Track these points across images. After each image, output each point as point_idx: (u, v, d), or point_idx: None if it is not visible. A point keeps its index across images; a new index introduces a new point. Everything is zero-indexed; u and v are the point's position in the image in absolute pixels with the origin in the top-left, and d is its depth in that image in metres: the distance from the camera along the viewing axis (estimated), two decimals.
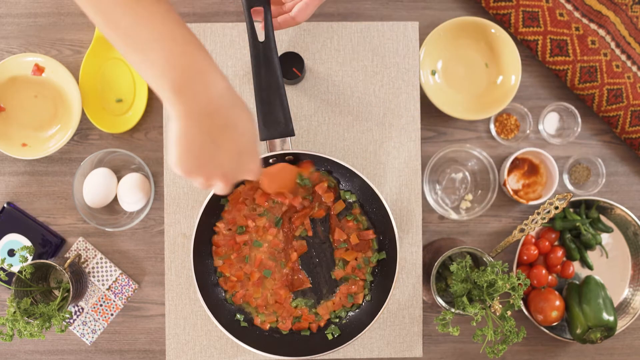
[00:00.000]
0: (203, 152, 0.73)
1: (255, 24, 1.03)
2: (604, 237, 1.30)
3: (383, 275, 1.11)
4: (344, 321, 1.12)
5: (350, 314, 1.12)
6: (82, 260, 1.25)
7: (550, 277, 1.28)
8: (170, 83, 0.70)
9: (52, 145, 1.22)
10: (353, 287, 1.11)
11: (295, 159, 1.09)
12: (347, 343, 1.06)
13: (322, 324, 1.11)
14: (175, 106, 0.71)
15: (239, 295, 1.11)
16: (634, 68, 1.27)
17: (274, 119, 1.04)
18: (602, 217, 1.30)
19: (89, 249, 1.25)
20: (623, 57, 1.27)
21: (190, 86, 0.71)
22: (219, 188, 0.78)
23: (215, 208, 1.09)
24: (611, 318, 1.20)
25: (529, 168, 1.28)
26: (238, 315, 1.11)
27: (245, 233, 1.11)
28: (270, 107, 1.04)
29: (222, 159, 0.74)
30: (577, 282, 1.27)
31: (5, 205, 1.25)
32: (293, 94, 1.18)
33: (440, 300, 1.13)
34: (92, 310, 1.26)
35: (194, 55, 0.72)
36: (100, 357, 1.26)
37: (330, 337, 1.10)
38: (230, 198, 1.11)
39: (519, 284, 1.07)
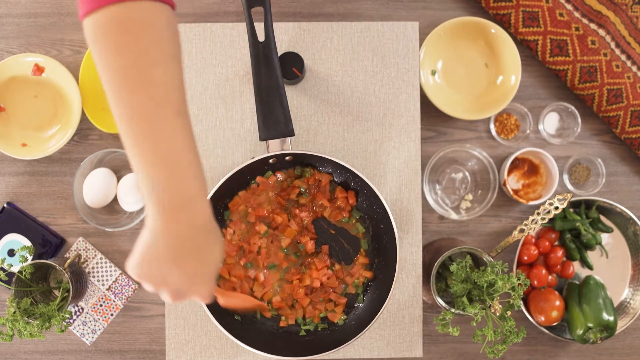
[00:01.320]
0: (161, 267, 0.75)
1: (256, 24, 1.04)
2: (604, 237, 1.30)
3: (383, 275, 1.11)
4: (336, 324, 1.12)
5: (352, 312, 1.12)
6: (82, 260, 1.25)
7: (550, 277, 1.28)
8: (159, 204, 0.72)
9: (52, 145, 1.22)
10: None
11: (296, 160, 1.09)
12: (347, 343, 1.06)
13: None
14: (155, 222, 0.73)
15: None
16: (634, 68, 1.27)
17: (274, 119, 1.04)
18: (602, 217, 1.30)
19: (89, 249, 1.25)
20: (623, 57, 1.27)
21: (177, 212, 0.73)
22: (166, 299, 0.80)
23: (215, 208, 1.09)
24: (611, 318, 1.20)
25: (529, 168, 1.28)
26: (237, 317, 1.11)
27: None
28: (270, 107, 1.04)
29: (177, 279, 0.76)
30: (577, 282, 1.27)
31: (5, 205, 1.25)
32: (293, 94, 1.18)
33: (440, 300, 1.13)
34: (92, 310, 1.26)
35: (191, 184, 0.74)
36: (100, 357, 1.26)
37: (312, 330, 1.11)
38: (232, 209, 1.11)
39: (519, 284, 1.07)
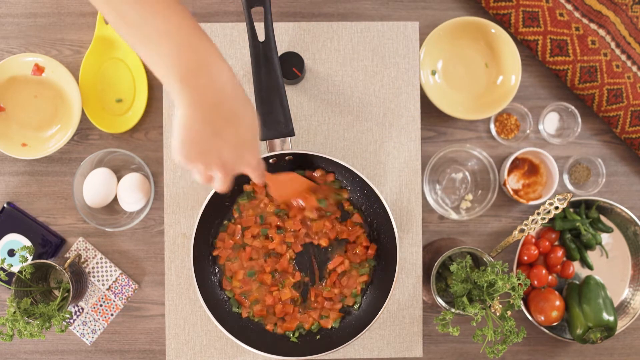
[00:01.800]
0: (204, 140, 0.75)
1: (256, 24, 1.04)
2: (604, 237, 1.30)
3: (383, 275, 1.11)
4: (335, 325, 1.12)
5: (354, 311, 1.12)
6: (82, 260, 1.25)
7: (550, 277, 1.28)
8: (176, 74, 0.73)
9: (52, 145, 1.22)
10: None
11: (296, 160, 1.09)
12: (347, 343, 1.06)
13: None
14: (180, 96, 0.73)
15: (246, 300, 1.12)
16: (634, 68, 1.27)
17: (274, 119, 1.04)
18: (602, 217, 1.30)
19: (89, 249, 1.25)
20: (623, 57, 1.27)
21: (196, 77, 0.73)
22: (218, 180, 0.79)
23: (215, 208, 1.09)
24: (611, 318, 1.20)
25: (529, 168, 1.28)
26: (235, 309, 1.11)
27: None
28: (270, 107, 1.04)
29: (222, 149, 0.76)
30: (577, 282, 1.27)
31: (5, 205, 1.25)
32: (293, 94, 1.18)
33: (440, 300, 1.13)
34: (92, 310, 1.26)
35: (200, 47, 0.74)
36: (100, 357, 1.26)
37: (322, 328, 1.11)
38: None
39: (519, 284, 1.07)
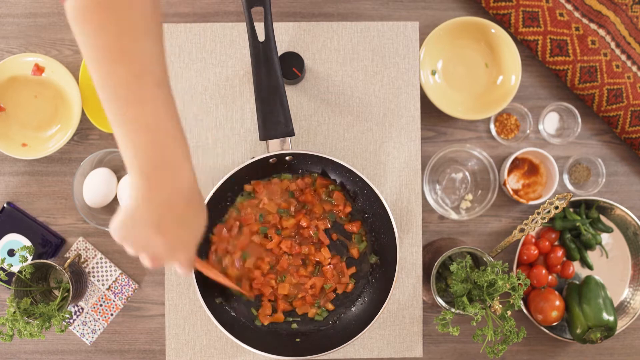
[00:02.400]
0: (142, 233, 0.77)
1: (256, 24, 1.04)
2: (604, 237, 1.30)
3: (383, 275, 1.11)
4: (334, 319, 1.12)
5: (353, 309, 1.12)
6: (82, 260, 1.25)
7: (550, 277, 1.28)
8: (140, 168, 0.74)
9: (52, 145, 1.22)
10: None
11: (295, 160, 1.09)
12: (347, 343, 1.06)
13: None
14: (136, 186, 0.75)
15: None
16: (634, 68, 1.27)
17: (274, 119, 1.04)
18: (602, 217, 1.30)
19: (89, 249, 1.25)
20: (623, 57, 1.27)
21: (158, 178, 0.75)
22: (146, 263, 0.81)
23: (215, 208, 1.09)
24: (611, 318, 1.20)
25: (529, 168, 1.28)
26: (222, 302, 1.11)
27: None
28: (270, 107, 1.04)
29: (158, 245, 0.78)
30: (577, 282, 1.27)
31: (5, 205, 1.25)
32: (293, 94, 1.18)
33: (440, 300, 1.13)
34: (92, 310, 1.26)
35: (170, 148, 0.75)
36: (100, 357, 1.26)
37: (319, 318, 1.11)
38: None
39: (519, 284, 1.07)
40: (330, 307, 1.12)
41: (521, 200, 1.25)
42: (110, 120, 0.75)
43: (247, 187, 1.12)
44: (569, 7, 1.26)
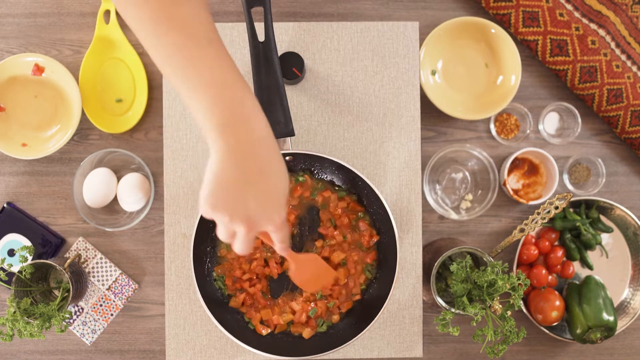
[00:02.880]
0: (234, 189, 0.75)
1: (256, 24, 1.04)
2: (604, 237, 1.30)
3: (383, 275, 1.11)
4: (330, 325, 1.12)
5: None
6: (82, 260, 1.25)
7: (550, 277, 1.28)
8: (215, 123, 0.74)
9: (52, 145, 1.22)
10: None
11: (295, 160, 1.09)
12: (347, 343, 1.06)
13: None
14: (216, 144, 0.74)
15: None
16: (634, 68, 1.27)
17: (274, 119, 1.04)
18: (602, 217, 1.30)
19: (89, 249, 1.25)
20: (623, 57, 1.27)
21: (234, 128, 0.75)
22: (240, 237, 0.78)
23: None
24: (611, 318, 1.20)
25: (529, 168, 1.28)
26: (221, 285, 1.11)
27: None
28: (270, 107, 1.04)
29: (249, 202, 0.76)
30: (577, 282, 1.27)
31: (5, 205, 1.25)
32: (293, 94, 1.18)
33: (440, 300, 1.13)
34: (92, 310, 1.26)
35: (241, 100, 0.76)
36: (100, 357, 1.26)
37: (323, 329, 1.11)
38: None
39: (519, 284, 1.07)
40: (336, 319, 1.12)
41: (521, 200, 1.25)
42: (178, 89, 0.76)
43: None
44: (569, 7, 1.26)
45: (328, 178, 1.13)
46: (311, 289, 1.07)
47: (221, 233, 0.78)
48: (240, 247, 0.79)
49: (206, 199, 0.74)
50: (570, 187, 1.29)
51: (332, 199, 1.11)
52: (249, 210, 0.76)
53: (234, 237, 0.78)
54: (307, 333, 1.11)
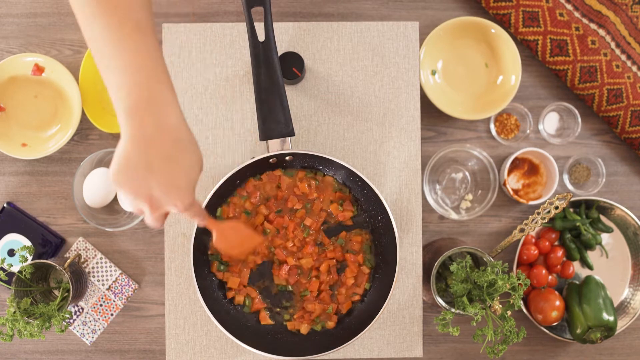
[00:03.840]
0: (137, 174, 0.78)
1: (256, 24, 1.04)
2: (604, 237, 1.30)
3: (383, 275, 1.11)
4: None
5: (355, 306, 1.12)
6: (82, 260, 1.25)
7: (550, 277, 1.28)
8: (125, 107, 0.77)
9: (52, 145, 1.22)
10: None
11: (295, 159, 1.09)
12: (347, 343, 1.06)
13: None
14: (124, 127, 0.77)
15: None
16: (634, 68, 1.27)
17: (274, 119, 1.04)
18: (602, 217, 1.30)
19: (89, 249, 1.25)
20: (623, 57, 1.27)
21: (142, 114, 0.77)
22: (147, 214, 0.82)
23: (215, 208, 1.09)
24: (611, 318, 1.20)
25: (529, 168, 1.28)
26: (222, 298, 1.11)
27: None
28: (270, 107, 1.04)
29: (151, 184, 0.78)
30: (577, 282, 1.27)
31: (5, 205, 1.25)
32: (293, 94, 1.18)
33: (440, 300, 1.13)
34: (92, 310, 1.26)
35: (153, 87, 0.78)
36: (100, 357, 1.26)
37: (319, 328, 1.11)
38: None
39: (519, 284, 1.07)
40: (331, 324, 1.12)
41: (521, 200, 1.25)
42: (99, 69, 0.78)
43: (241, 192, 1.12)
44: (569, 7, 1.26)
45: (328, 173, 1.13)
46: (236, 255, 1.06)
47: (127, 206, 0.83)
48: (148, 222, 0.83)
49: (113, 176, 0.78)
50: (570, 187, 1.29)
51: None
52: (150, 192, 0.79)
53: (142, 212, 0.82)
54: (304, 329, 1.11)
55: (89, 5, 0.77)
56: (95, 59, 0.79)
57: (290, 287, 1.11)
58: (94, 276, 1.25)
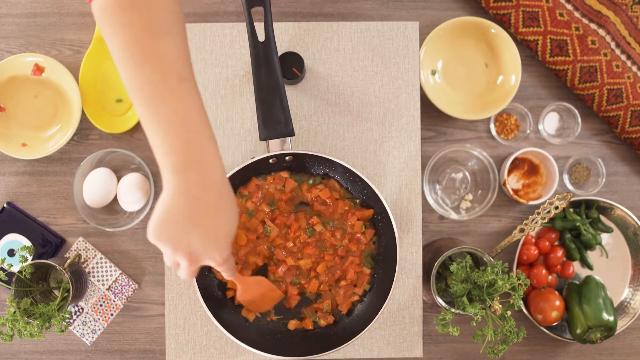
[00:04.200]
0: (178, 228, 0.78)
1: (256, 24, 1.04)
2: (604, 237, 1.30)
3: (383, 275, 1.11)
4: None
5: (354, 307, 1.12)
6: (82, 260, 1.25)
7: (550, 277, 1.28)
8: (171, 164, 0.77)
9: (52, 145, 1.22)
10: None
11: (296, 159, 1.09)
12: (347, 343, 1.06)
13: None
14: (169, 183, 0.78)
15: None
16: (634, 68, 1.27)
17: (274, 119, 1.04)
18: (602, 217, 1.30)
19: (89, 249, 1.25)
20: (623, 57, 1.27)
21: (189, 171, 0.77)
22: (183, 268, 0.82)
23: None
24: (611, 318, 1.20)
25: (529, 168, 1.28)
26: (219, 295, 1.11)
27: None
28: (270, 107, 1.04)
29: (192, 239, 0.80)
30: (577, 282, 1.27)
31: (5, 205, 1.25)
32: (293, 94, 1.18)
33: (440, 300, 1.13)
34: (92, 310, 1.26)
35: (200, 144, 0.78)
36: (100, 357, 1.26)
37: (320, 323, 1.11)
38: None
39: (519, 284, 1.07)
40: (323, 323, 1.12)
41: (521, 200, 1.25)
42: (141, 120, 0.77)
43: (243, 190, 1.12)
44: (569, 7, 1.26)
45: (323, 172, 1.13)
46: (257, 309, 1.11)
47: (166, 260, 0.82)
48: (182, 275, 0.83)
49: (152, 230, 0.78)
50: (570, 187, 1.29)
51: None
52: (191, 247, 0.80)
53: (179, 265, 0.83)
54: (306, 323, 1.11)
55: (131, 50, 0.75)
56: (138, 111, 0.77)
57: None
58: (94, 276, 1.25)
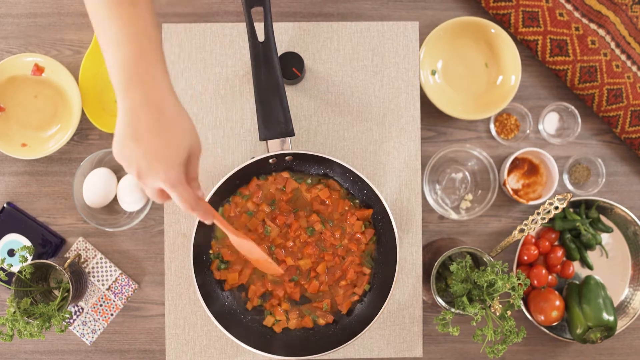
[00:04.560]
0: (125, 145, 0.81)
1: (256, 24, 1.04)
2: (604, 237, 1.30)
3: (383, 275, 1.11)
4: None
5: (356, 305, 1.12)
6: (82, 260, 1.25)
7: (550, 277, 1.28)
8: (116, 81, 0.80)
9: (52, 145, 1.22)
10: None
11: (296, 159, 1.09)
12: (347, 343, 1.06)
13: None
14: (118, 101, 0.81)
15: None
16: (634, 68, 1.27)
17: (274, 119, 1.04)
18: (602, 217, 1.30)
19: (89, 249, 1.25)
20: (623, 57, 1.27)
21: (129, 87, 0.80)
22: (147, 189, 0.84)
23: (215, 208, 1.09)
24: (611, 318, 1.20)
25: (529, 168, 1.28)
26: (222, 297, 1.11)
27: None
28: (270, 107, 1.04)
29: (138, 155, 0.81)
30: (577, 282, 1.27)
31: (5, 205, 1.25)
32: (293, 94, 1.18)
33: (440, 300, 1.13)
34: (92, 310, 1.26)
35: (143, 60, 0.81)
36: (100, 357, 1.26)
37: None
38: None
39: (519, 284, 1.07)
40: (322, 322, 1.12)
41: (521, 200, 1.25)
42: (99, 43, 0.82)
43: (243, 190, 1.12)
44: (569, 7, 1.26)
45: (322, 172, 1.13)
46: (251, 264, 1.09)
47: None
48: (152, 197, 0.85)
49: (113, 149, 0.82)
50: (570, 187, 1.29)
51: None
52: (137, 161, 0.81)
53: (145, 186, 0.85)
54: (304, 322, 1.11)
55: None
56: (96, 34, 0.82)
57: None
58: (94, 276, 1.25)
